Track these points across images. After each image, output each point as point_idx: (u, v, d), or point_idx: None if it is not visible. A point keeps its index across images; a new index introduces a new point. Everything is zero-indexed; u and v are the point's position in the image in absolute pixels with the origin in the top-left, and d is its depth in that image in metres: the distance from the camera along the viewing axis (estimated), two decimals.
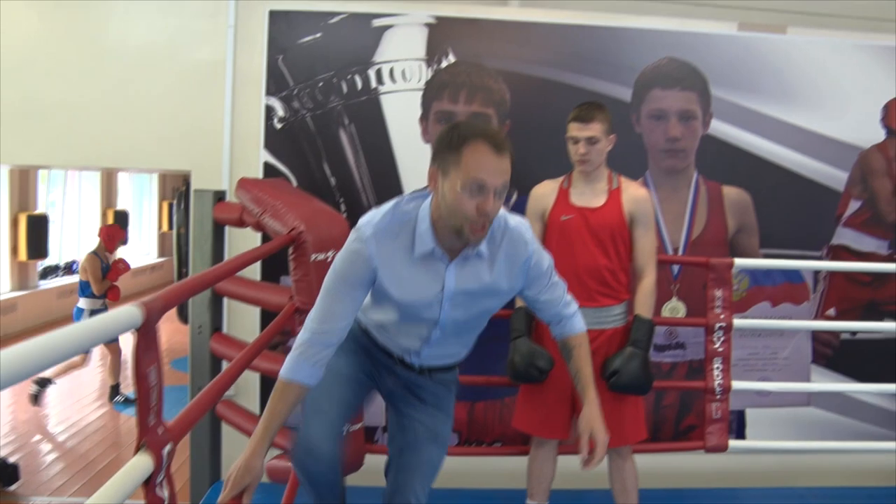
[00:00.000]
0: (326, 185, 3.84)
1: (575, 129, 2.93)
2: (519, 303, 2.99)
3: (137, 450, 1.55)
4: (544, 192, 3.11)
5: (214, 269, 2.46)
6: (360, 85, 3.82)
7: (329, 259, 2.99)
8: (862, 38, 4.13)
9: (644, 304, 3.04)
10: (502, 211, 1.98)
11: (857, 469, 3.93)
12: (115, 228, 7.10)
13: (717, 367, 3.56)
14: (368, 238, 1.95)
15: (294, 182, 3.82)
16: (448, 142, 1.85)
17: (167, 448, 1.60)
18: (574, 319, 2.26)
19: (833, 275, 4.10)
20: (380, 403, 3.82)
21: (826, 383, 4.06)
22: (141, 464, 1.52)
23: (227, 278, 2.99)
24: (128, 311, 1.49)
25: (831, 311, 4.10)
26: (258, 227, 3.09)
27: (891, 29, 4.26)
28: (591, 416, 2.16)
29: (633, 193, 3.03)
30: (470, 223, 1.86)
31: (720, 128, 3.99)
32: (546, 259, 2.14)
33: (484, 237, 1.92)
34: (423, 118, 3.84)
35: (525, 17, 3.92)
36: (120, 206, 13.17)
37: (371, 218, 1.99)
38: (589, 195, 3.02)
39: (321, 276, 2.94)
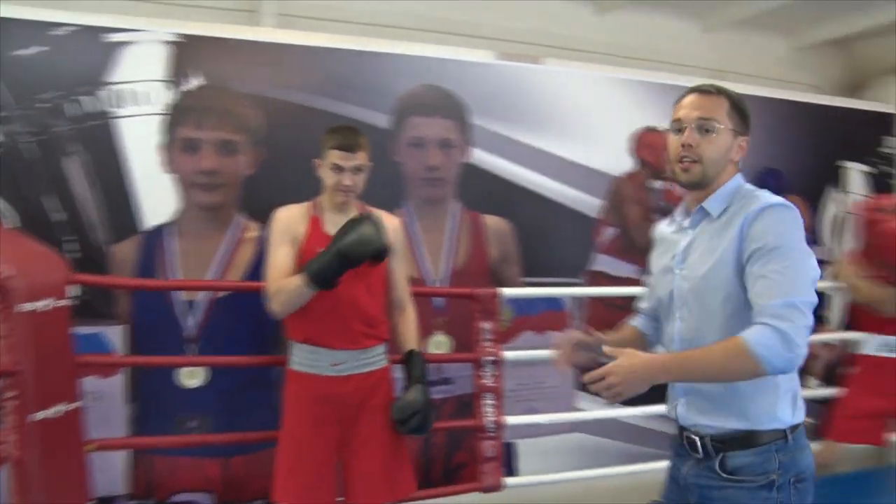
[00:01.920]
0: (52, 221, 3.36)
1: (339, 158, 2.72)
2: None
3: None
4: (294, 216, 2.85)
5: None
6: (92, 108, 3.39)
7: (50, 308, 2.58)
8: (612, 72, 4.30)
9: (415, 338, 2.98)
10: None
11: (625, 488, 4.00)
12: None
13: (489, 403, 3.49)
14: None
15: (18, 217, 3.30)
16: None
17: None
18: None
19: (593, 301, 4.18)
20: (115, 467, 3.41)
21: (595, 411, 4.06)
22: None
23: None
24: None
25: None
26: None
27: (636, 65, 4.48)
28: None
29: (387, 224, 2.86)
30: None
31: (480, 156, 3.96)
32: None
33: None
34: (167, 145, 3.46)
35: (278, 39, 3.68)
36: None
37: None
38: None
39: (32, 330, 2.56)
